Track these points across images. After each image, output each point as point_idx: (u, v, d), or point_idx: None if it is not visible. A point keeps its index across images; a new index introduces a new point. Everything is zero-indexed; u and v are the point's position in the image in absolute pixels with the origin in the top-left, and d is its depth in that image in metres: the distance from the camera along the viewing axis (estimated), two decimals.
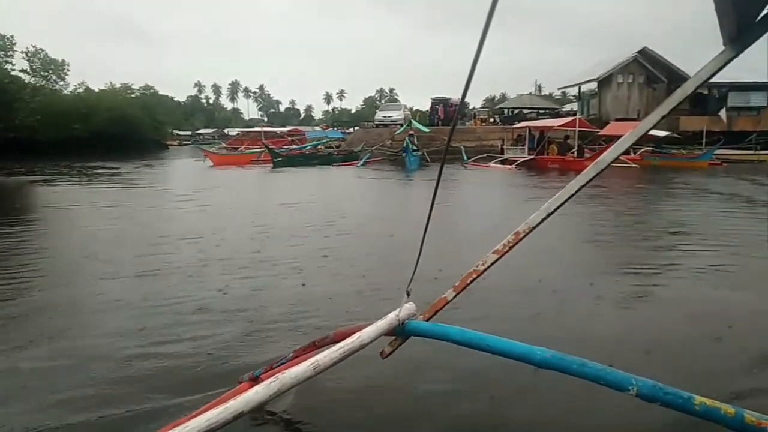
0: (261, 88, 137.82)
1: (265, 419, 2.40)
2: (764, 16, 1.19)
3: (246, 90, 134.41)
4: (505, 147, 23.75)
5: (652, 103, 28.03)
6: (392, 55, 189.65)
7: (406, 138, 22.31)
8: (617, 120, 26.59)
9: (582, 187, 1.63)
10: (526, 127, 22.31)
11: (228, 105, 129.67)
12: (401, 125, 24.62)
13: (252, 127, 56.22)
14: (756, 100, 29.13)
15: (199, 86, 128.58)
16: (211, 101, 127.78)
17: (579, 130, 21.32)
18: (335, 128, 47.94)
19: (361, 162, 22.22)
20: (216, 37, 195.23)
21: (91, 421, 2.43)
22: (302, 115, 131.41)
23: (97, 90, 44.87)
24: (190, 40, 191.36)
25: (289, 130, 35.08)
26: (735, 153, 23.81)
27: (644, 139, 22.20)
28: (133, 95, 49.40)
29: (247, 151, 24.54)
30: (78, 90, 43.83)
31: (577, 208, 8.43)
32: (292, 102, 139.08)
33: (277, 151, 22.74)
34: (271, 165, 21.58)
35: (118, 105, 40.92)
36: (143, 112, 45.01)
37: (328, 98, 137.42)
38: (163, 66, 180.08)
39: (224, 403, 1.38)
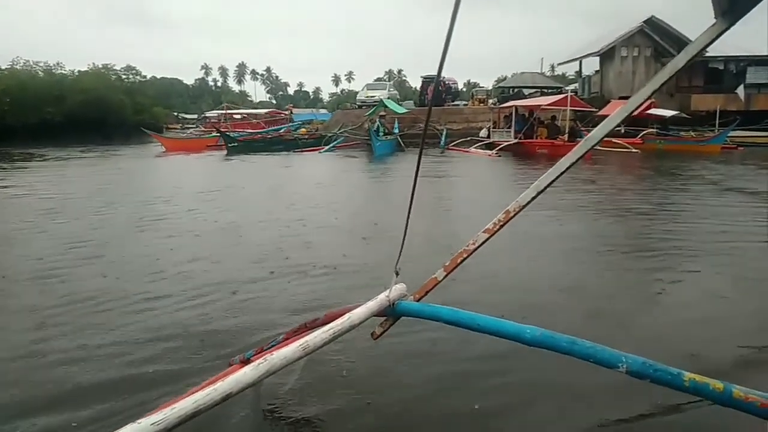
0: (268, 70, 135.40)
1: None
2: None
3: (253, 72, 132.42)
4: (491, 130, 21.20)
5: None
6: (403, 36, 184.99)
7: (377, 120, 19.92)
8: (621, 98, 23.81)
9: (572, 164, 1.59)
10: (512, 106, 19.66)
11: (235, 88, 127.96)
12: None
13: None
14: None
15: (206, 68, 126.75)
16: (219, 84, 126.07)
17: (572, 110, 18.71)
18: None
19: (327, 147, 19.83)
20: (222, 19, 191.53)
21: None
22: (311, 97, 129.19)
23: (74, 71, 42.54)
24: (196, 22, 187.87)
25: (268, 112, 32.51)
26: (752, 135, 21.02)
27: (645, 119, 19.58)
28: (114, 77, 47.06)
29: (206, 135, 22.11)
30: (55, 71, 41.61)
31: (548, 226, 6.16)
32: (300, 84, 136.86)
33: (232, 135, 20.40)
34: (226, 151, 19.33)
35: (92, 87, 38.69)
36: (126, 95, 42.91)
37: (336, 80, 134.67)
38: (170, 49, 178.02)
39: (213, 384, 1.35)
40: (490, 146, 18.87)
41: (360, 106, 27.71)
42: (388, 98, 27.22)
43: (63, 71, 42.39)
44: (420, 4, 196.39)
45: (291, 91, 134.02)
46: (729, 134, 18.66)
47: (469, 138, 21.28)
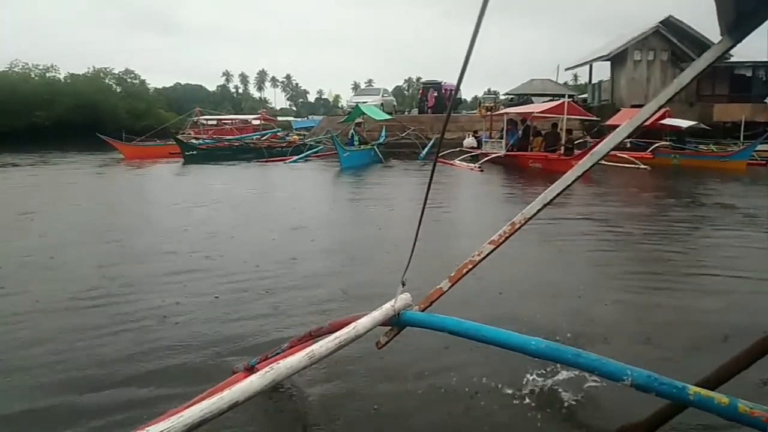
0: (288, 77, 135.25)
1: None
2: (761, 5, 1.15)
3: (273, 79, 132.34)
4: (483, 140, 18.96)
5: None
6: (424, 44, 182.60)
7: (352, 128, 17.83)
8: (633, 107, 21.28)
9: (578, 178, 1.59)
10: (504, 113, 17.33)
11: (256, 95, 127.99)
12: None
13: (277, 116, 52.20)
14: None
15: (227, 75, 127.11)
16: (240, 91, 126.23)
17: (579, 119, 16.31)
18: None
19: (297, 157, 17.75)
20: (243, 27, 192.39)
21: None
22: (331, 105, 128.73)
23: (64, 75, 41.42)
24: (218, 29, 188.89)
25: (254, 117, 30.55)
26: None
27: (658, 130, 17.14)
28: (113, 81, 46.02)
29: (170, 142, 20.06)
30: (48, 75, 40.58)
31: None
32: (320, 92, 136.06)
33: (189, 143, 18.43)
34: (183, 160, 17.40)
35: (84, 91, 37.44)
36: (123, 100, 41.75)
37: (356, 87, 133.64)
38: (192, 56, 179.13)
39: (219, 392, 1.34)
40: (476, 158, 16.61)
41: (349, 113, 25.67)
42: (381, 105, 25.34)
43: (57, 74, 41.35)
44: (445, 12, 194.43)
45: (311, 98, 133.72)
46: (756, 148, 16.06)
47: (458, 149, 19.06)
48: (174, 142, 18.54)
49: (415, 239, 1.71)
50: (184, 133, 24.36)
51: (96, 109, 36.14)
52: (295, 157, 17.76)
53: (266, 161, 17.42)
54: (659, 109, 1.50)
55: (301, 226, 6.68)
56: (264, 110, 42.53)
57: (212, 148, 18.80)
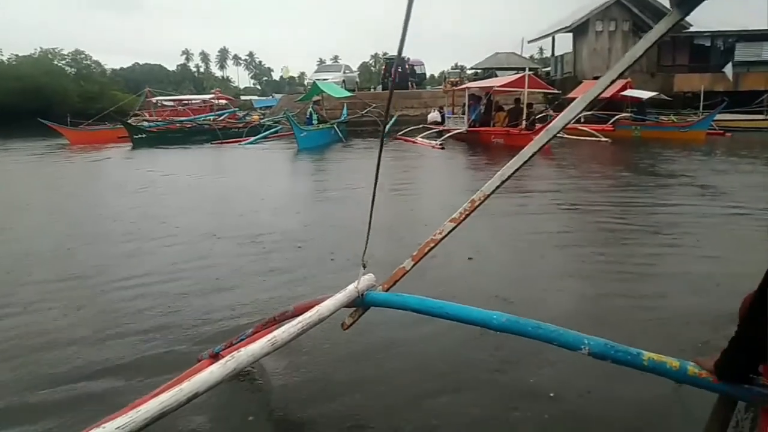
0: (251, 55, 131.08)
1: None
2: None
3: (236, 57, 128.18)
4: (446, 116, 18.58)
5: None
6: (394, 19, 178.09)
7: (310, 107, 17.20)
8: (595, 78, 21.13)
9: (534, 153, 1.59)
10: (465, 88, 16.91)
11: (218, 74, 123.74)
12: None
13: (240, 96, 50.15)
14: None
15: (187, 54, 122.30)
16: (202, 70, 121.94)
17: (542, 93, 16.05)
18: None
19: (252, 139, 17.02)
20: (204, 4, 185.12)
21: None
22: (297, 82, 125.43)
23: (8, 57, 39.12)
24: (178, 7, 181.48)
25: (211, 97, 29.27)
26: (741, 119, 18.51)
27: (620, 101, 17.09)
28: (63, 62, 43.71)
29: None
30: None
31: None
32: (286, 69, 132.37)
33: (138, 126, 17.46)
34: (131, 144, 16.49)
35: (29, 74, 35.35)
36: (74, 82, 39.69)
37: (321, 64, 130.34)
38: (152, 36, 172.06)
39: (179, 384, 1.30)
40: (440, 135, 16.23)
41: None
42: (343, 82, 24.60)
43: (0, 57, 38.99)
44: None
45: (276, 76, 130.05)
46: (715, 118, 16.12)
47: (421, 126, 18.65)
48: (122, 126, 17.53)
49: (370, 221, 1.76)
50: (136, 115, 23.21)
51: (42, 92, 34.16)
52: (251, 139, 17.01)
53: (220, 143, 16.64)
54: (612, 82, 1.49)
55: (211, 234, 5.22)
56: (218, 89, 41.07)
57: (163, 130, 17.84)
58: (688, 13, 1.36)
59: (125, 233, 5.25)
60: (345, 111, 20.33)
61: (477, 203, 1.74)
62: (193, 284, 3.70)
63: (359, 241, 1.92)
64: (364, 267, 1.86)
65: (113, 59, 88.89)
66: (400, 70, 27.56)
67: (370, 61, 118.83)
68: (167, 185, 8.88)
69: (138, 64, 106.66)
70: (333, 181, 9.31)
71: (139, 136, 16.63)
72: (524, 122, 14.49)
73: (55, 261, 4.38)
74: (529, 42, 30.20)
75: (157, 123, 19.29)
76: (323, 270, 3.97)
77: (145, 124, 18.85)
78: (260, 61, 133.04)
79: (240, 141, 16.73)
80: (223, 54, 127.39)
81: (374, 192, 1.70)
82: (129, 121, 18.88)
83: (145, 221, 5.85)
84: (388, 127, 18.57)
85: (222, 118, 21.30)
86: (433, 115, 20.04)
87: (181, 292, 3.53)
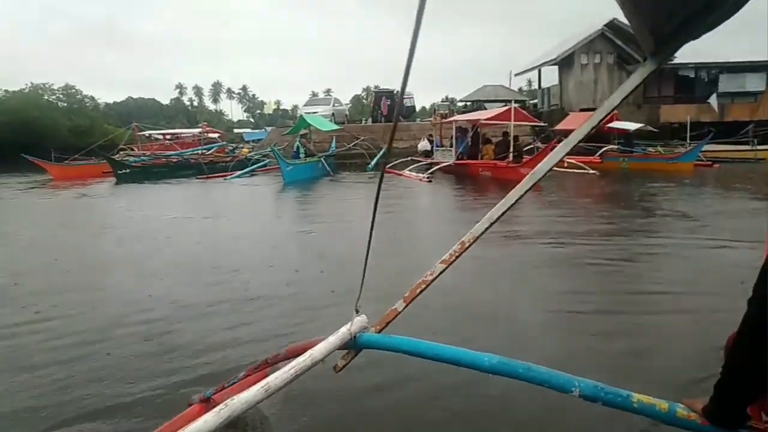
0: (244, 88, 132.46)
1: None
2: (676, 32, 1.20)
3: (229, 91, 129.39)
4: (435, 149, 18.55)
5: None
6: (385, 54, 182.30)
7: (297, 140, 17.10)
8: (582, 110, 21.28)
9: (521, 197, 1.63)
10: (453, 121, 16.90)
11: (211, 107, 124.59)
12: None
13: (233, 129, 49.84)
14: (753, 83, 24.01)
15: (181, 88, 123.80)
16: (195, 104, 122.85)
17: (520, 124, 16.02)
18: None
19: (239, 173, 16.82)
20: (196, 39, 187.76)
21: None
22: (290, 115, 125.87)
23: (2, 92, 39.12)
24: (170, 41, 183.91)
25: (198, 133, 29.16)
26: (728, 150, 18.55)
27: (607, 134, 17.14)
28: (53, 96, 43.74)
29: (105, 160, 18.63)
30: None
31: None
32: (278, 103, 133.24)
33: (122, 162, 17.21)
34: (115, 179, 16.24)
35: (18, 108, 35.26)
36: (63, 116, 39.59)
37: (312, 97, 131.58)
38: (145, 70, 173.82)
39: (173, 429, 1.35)
40: (429, 167, 16.12)
41: None
42: (332, 115, 24.67)
43: None
44: (403, 21, 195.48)
45: (269, 109, 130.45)
46: (702, 149, 16.14)
47: (409, 158, 18.57)
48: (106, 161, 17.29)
49: (365, 267, 1.77)
50: (123, 150, 22.98)
51: (32, 127, 33.98)
52: (238, 173, 16.80)
53: (206, 178, 16.41)
54: (593, 129, 1.53)
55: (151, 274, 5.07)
56: (206, 123, 41.08)
57: (147, 165, 17.61)
58: (663, 62, 1.36)
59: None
60: (333, 144, 20.29)
61: (467, 245, 1.77)
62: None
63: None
64: (357, 312, 1.87)
65: (106, 93, 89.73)
66: (389, 102, 27.90)
67: (362, 94, 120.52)
68: (137, 227, 8.53)
69: (131, 98, 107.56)
70: (313, 218, 9.05)
71: (123, 171, 16.38)
72: (511, 155, 14.44)
73: None
74: (516, 75, 30.57)
75: (142, 158, 19.03)
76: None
77: (130, 159, 18.60)
78: (254, 95, 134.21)
79: (225, 175, 16.51)
80: (217, 88, 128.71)
81: (369, 243, 1.72)
82: (115, 156, 18.67)
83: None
84: (377, 159, 18.64)
85: (210, 152, 21.13)
86: (423, 144, 20.02)
87: None
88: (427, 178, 13.96)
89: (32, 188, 15.44)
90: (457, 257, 1.78)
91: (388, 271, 4.60)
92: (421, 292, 1.82)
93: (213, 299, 4.26)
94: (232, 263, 5.48)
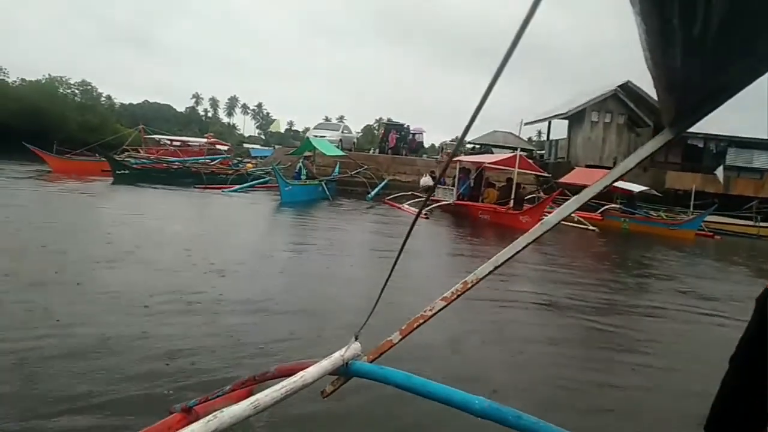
0: (259, 105, 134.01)
1: None
2: (697, 107, 1.17)
3: (244, 106, 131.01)
4: (437, 186, 18.43)
5: (633, 150, 22.69)
6: (403, 89, 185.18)
7: (300, 161, 17.01)
8: (588, 167, 21.24)
9: (528, 244, 1.60)
10: (458, 161, 16.82)
11: (225, 120, 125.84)
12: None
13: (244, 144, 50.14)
14: (760, 160, 24.14)
15: (197, 98, 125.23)
16: (209, 115, 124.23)
17: (524, 173, 15.95)
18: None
19: (237, 187, 16.65)
20: (219, 53, 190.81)
21: None
22: (301, 136, 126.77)
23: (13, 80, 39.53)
24: (194, 52, 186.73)
25: (205, 143, 29.25)
26: (730, 223, 18.42)
27: (610, 192, 17.01)
28: (68, 91, 44.19)
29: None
30: None
31: None
32: (290, 123, 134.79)
33: (122, 162, 17.03)
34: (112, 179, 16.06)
35: (28, 97, 35.51)
36: (74, 111, 39.88)
37: (324, 122, 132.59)
38: (165, 75, 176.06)
39: None
40: (428, 203, 15.96)
41: None
42: (340, 141, 24.70)
43: (6, 78, 39.41)
44: (418, 60, 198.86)
45: (281, 128, 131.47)
46: (705, 219, 15.99)
47: (410, 192, 18.48)
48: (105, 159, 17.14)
49: (378, 298, 1.75)
50: (126, 150, 22.93)
51: (40, 117, 34.12)
52: (236, 187, 16.61)
53: (204, 188, 16.22)
54: (606, 188, 1.50)
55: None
56: (211, 134, 41.38)
57: (148, 168, 17.43)
58: (679, 134, 1.37)
59: None
60: (337, 169, 20.21)
61: (469, 285, 1.76)
62: None
63: None
64: (356, 338, 1.86)
65: (124, 94, 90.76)
66: (397, 135, 28.02)
67: (374, 125, 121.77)
68: (119, 229, 8.29)
69: (148, 101, 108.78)
70: (294, 245, 8.79)
71: (122, 171, 16.17)
72: (512, 201, 14.29)
73: None
74: (526, 124, 30.85)
75: (144, 161, 18.88)
76: None
77: (131, 160, 18.44)
78: (267, 113, 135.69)
79: (223, 188, 16.32)
80: (233, 102, 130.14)
81: (388, 276, 1.68)
82: (118, 156, 18.56)
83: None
84: (377, 190, 18.55)
85: (214, 163, 21.02)
86: (426, 180, 19.92)
87: None
88: (425, 214, 13.76)
89: (22, 178, 15.21)
90: (458, 296, 1.77)
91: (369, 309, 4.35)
92: (418, 326, 1.82)
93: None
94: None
